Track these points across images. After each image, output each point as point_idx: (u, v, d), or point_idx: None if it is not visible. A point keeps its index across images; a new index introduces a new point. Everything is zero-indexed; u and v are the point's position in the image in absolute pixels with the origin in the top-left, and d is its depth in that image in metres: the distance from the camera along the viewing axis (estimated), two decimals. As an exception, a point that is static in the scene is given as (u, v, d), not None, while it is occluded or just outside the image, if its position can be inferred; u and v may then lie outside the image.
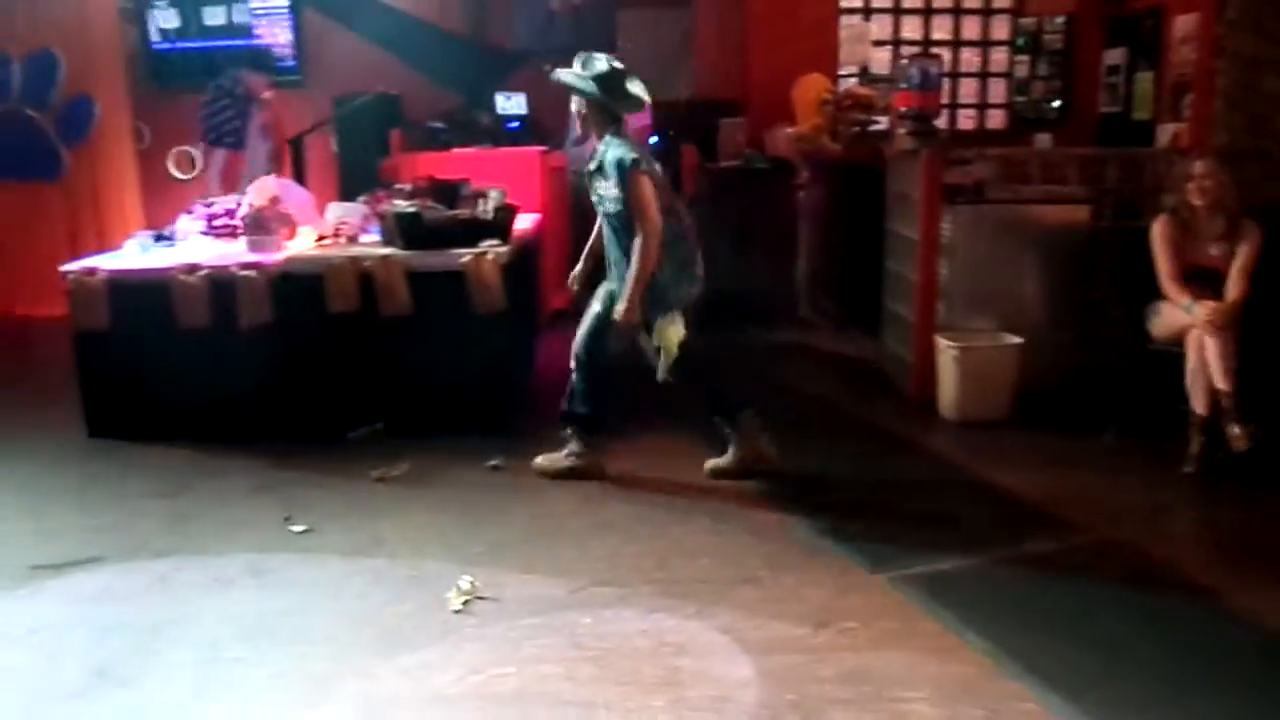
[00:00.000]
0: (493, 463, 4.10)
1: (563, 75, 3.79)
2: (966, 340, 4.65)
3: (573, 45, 7.63)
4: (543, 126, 7.41)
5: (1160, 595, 3.09)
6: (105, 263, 4.63)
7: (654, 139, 7.24)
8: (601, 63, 3.74)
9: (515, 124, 7.21)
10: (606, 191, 3.74)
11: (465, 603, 3.00)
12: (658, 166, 3.84)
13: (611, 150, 3.70)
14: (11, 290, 7.63)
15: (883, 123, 6.76)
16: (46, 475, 4.19)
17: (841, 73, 7.38)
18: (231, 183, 6.31)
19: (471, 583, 3.08)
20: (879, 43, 7.59)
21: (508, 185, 5.12)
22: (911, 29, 7.66)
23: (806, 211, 6.47)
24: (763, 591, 3.06)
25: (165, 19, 7.98)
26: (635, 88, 3.78)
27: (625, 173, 3.64)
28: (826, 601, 2.98)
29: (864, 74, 7.40)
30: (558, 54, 7.76)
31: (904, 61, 6.70)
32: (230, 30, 8.00)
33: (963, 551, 3.33)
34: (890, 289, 5.39)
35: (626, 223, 3.72)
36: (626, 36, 7.72)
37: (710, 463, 3.98)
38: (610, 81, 3.72)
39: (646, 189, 3.65)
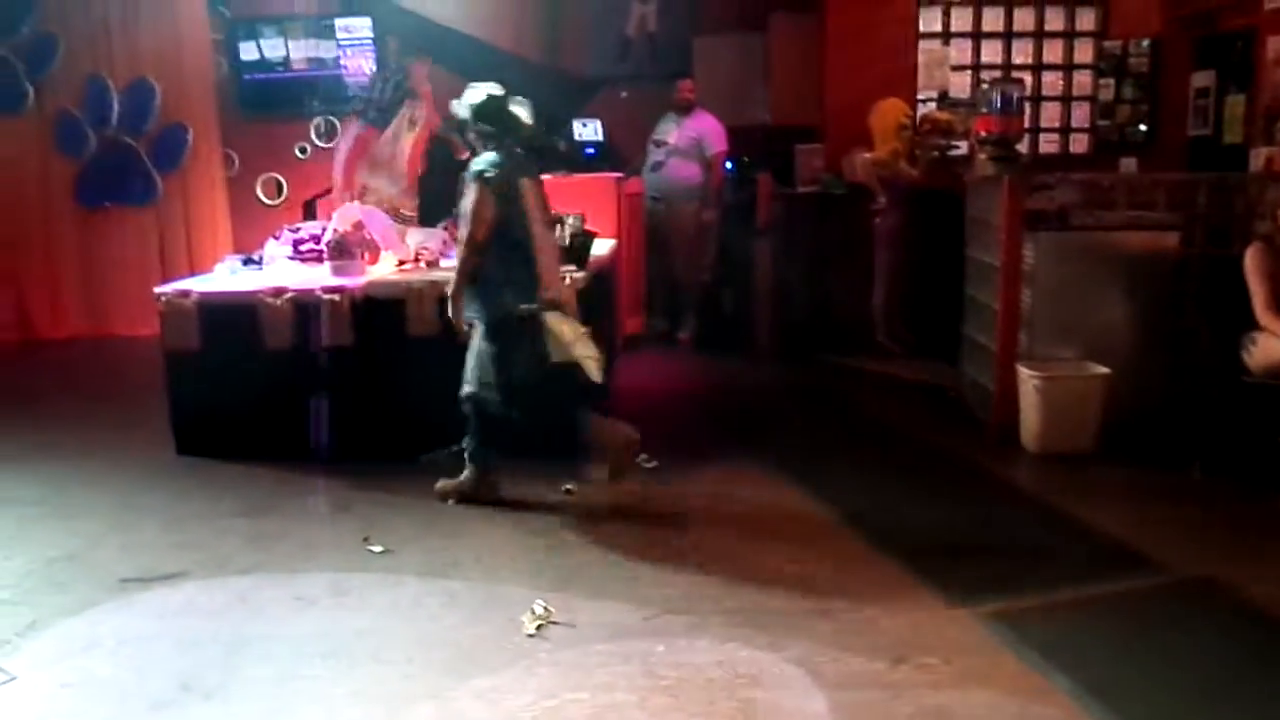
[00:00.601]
0: (566, 487, 4.12)
1: (453, 107, 4.04)
2: (1050, 370, 4.54)
3: (648, 72, 7.80)
4: (619, 152, 7.49)
5: (1260, 638, 2.96)
6: (196, 285, 4.79)
7: (728, 165, 7.28)
8: (478, 93, 3.93)
9: (592, 150, 7.29)
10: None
11: (539, 627, 3.00)
12: (526, 181, 3.93)
13: (475, 164, 3.88)
14: (109, 310, 7.94)
15: (962, 148, 6.68)
16: (136, 491, 4.32)
17: (920, 97, 7.31)
18: (355, 159, 5.89)
19: (545, 607, 3.08)
20: (958, 67, 7.50)
21: (584, 211, 5.15)
22: (992, 53, 7.56)
23: (883, 237, 6.41)
24: (839, 624, 3.01)
25: (254, 50, 8.26)
26: (519, 110, 3.95)
27: (469, 180, 3.84)
28: (905, 635, 2.92)
29: (943, 98, 7.31)
30: (633, 80, 7.93)
31: (985, 86, 6.61)
32: (316, 62, 8.24)
33: (1047, 587, 3.24)
34: (970, 316, 5.29)
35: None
36: (702, 62, 7.76)
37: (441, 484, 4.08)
38: (486, 109, 3.91)
39: (474, 198, 3.80)
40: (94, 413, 5.73)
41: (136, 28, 7.92)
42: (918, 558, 3.43)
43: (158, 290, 4.72)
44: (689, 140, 6.94)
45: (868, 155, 6.46)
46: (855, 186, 6.60)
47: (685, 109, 7.01)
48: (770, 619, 3.03)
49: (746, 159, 7.35)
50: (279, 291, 4.57)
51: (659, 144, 7.04)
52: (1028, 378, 4.55)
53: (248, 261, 5.17)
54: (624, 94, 7.96)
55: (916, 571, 3.34)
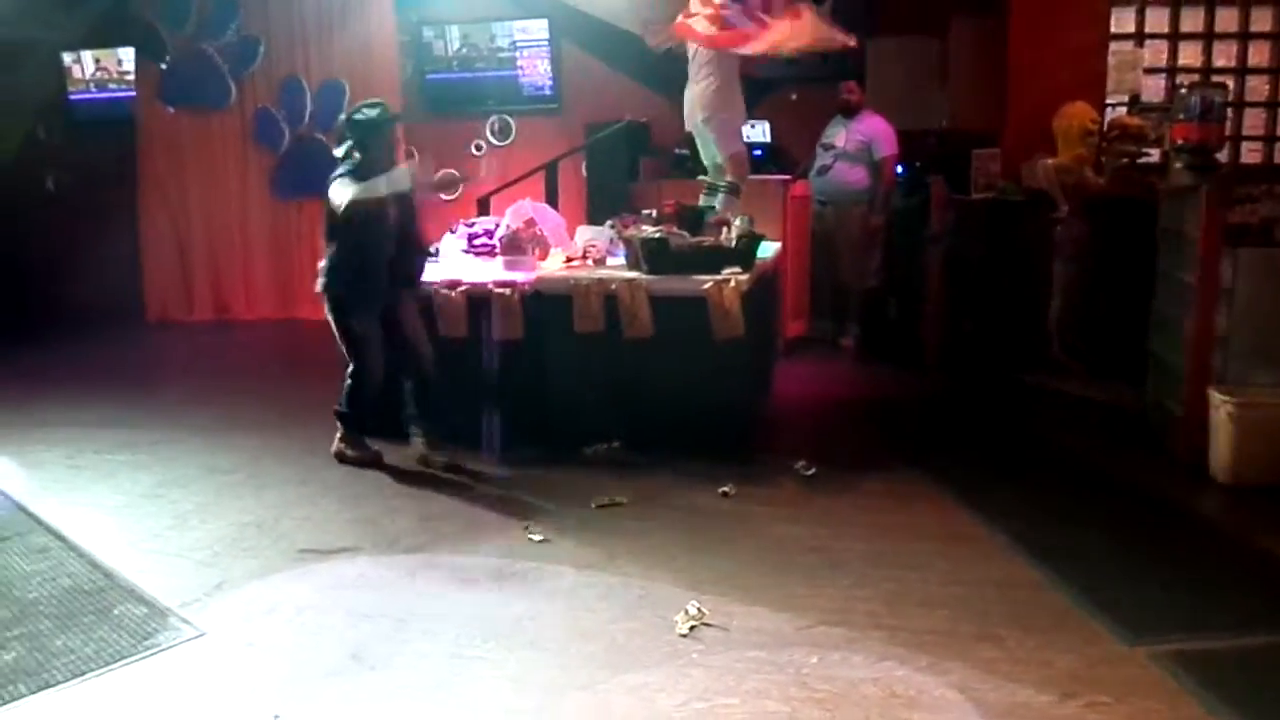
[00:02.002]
0: (724, 489, 4.11)
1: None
2: (1245, 395, 4.22)
3: (818, 74, 7.69)
4: (787, 155, 7.42)
5: None
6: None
7: (900, 169, 7.10)
8: (358, 112, 4.43)
9: (759, 152, 7.24)
10: None
11: (692, 628, 3.01)
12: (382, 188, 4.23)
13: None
14: (296, 295, 8.45)
15: (1153, 155, 6.29)
16: (318, 466, 4.58)
17: (1109, 102, 6.93)
18: None
19: (699, 608, 3.09)
20: (1151, 70, 7.08)
21: (751, 213, 5.14)
22: (1190, 55, 7.09)
23: (1064, 247, 6.11)
24: (1004, 651, 2.88)
25: (438, 51, 8.60)
26: (370, 111, 4.41)
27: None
28: (1076, 670, 2.77)
29: (1134, 103, 6.91)
30: (804, 82, 7.83)
31: (1182, 90, 6.20)
32: (495, 63, 8.52)
33: (1235, 629, 3.02)
34: (1158, 335, 4.98)
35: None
36: (876, 65, 7.59)
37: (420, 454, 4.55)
38: (353, 124, 4.43)
39: (332, 194, 4.26)
40: (282, 391, 6.12)
41: (330, 32, 8.40)
42: (1092, 589, 3.25)
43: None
44: (857, 143, 6.82)
45: (1050, 161, 6.17)
46: (1035, 194, 6.32)
47: (850, 111, 6.90)
48: (930, 639, 2.94)
49: (919, 163, 7.15)
50: (453, 284, 4.75)
51: (827, 147, 6.94)
52: (1220, 403, 4.24)
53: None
54: (794, 96, 7.88)
55: (1090, 603, 3.16)
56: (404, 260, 4.48)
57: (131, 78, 8.90)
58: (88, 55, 9.11)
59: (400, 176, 4.31)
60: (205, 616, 3.15)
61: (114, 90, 9.11)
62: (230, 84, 8.57)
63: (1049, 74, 6.70)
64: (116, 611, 3.19)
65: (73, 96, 9.16)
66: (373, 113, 4.37)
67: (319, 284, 4.47)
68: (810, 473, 4.31)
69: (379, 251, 4.36)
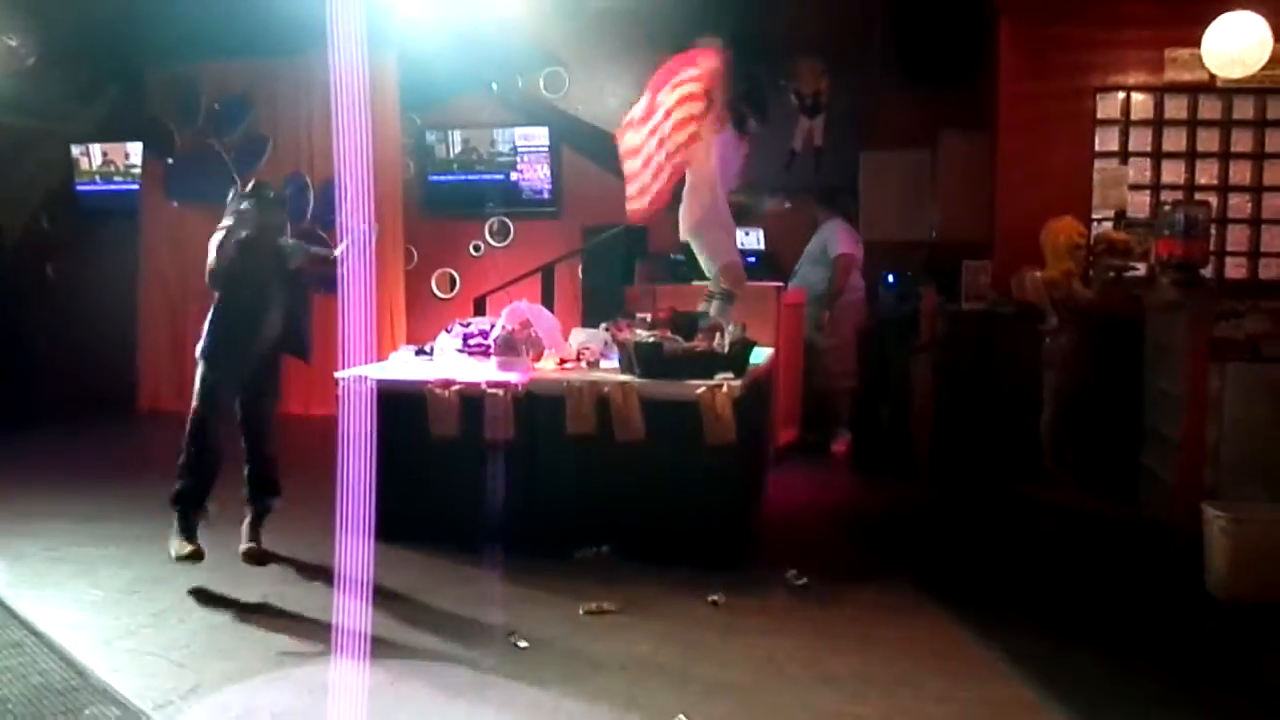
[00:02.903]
0: (714, 598, 4.05)
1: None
2: (1239, 510, 4.21)
3: (813, 184, 7.88)
4: (779, 262, 7.55)
5: None
6: (373, 372, 5.04)
7: (889, 278, 7.22)
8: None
9: (752, 259, 7.37)
10: None
11: (679, 742, 2.94)
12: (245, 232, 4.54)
13: None
14: (290, 390, 8.43)
15: (1140, 269, 6.41)
16: (301, 565, 4.52)
17: (1095, 216, 7.09)
18: None
19: (688, 722, 3.02)
20: (1136, 186, 7.26)
21: (744, 319, 5.19)
22: (1173, 173, 7.28)
23: (1053, 359, 6.16)
24: (999, 773, 2.81)
25: (440, 154, 8.80)
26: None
27: None
28: (1073, 794, 2.70)
29: (1120, 218, 7.07)
30: (798, 192, 8.02)
31: (1167, 207, 6.35)
32: (494, 165, 8.71)
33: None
34: (1149, 447, 5.00)
35: None
36: (869, 177, 7.80)
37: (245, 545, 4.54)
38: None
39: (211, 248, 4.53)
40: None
41: (336, 132, 8.58)
42: (1090, 711, 3.19)
43: (338, 374, 4.99)
44: (817, 245, 7.20)
45: (1039, 274, 6.28)
46: (1024, 305, 6.42)
47: (821, 219, 7.28)
48: (924, 759, 2.87)
49: (910, 273, 7.28)
50: (446, 383, 4.76)
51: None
52: (1214, 518, 4.23)
53: (420, 352, 5.42)
54: (787, 205, 8.06)
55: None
56: (285, 337, 4.67)
57: (138, 171, 9.08)
58: (96, 148, 9.31)
59: (289, 247, 4.77)
60: (179, 720, 3.06)
61: (120, 183, 9.29)
62: (236, 180, 8.72)
63: (1036, 189, 6.88)
64: (87, 713, 3.10)
65: (79, 187, 9.33)
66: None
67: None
68: (802, 583, 4.26)
69: (250, 315, 4.55)
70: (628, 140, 5.51)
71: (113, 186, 9.35)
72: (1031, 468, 6.14)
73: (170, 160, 8.88)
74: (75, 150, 9.30)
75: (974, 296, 6.72)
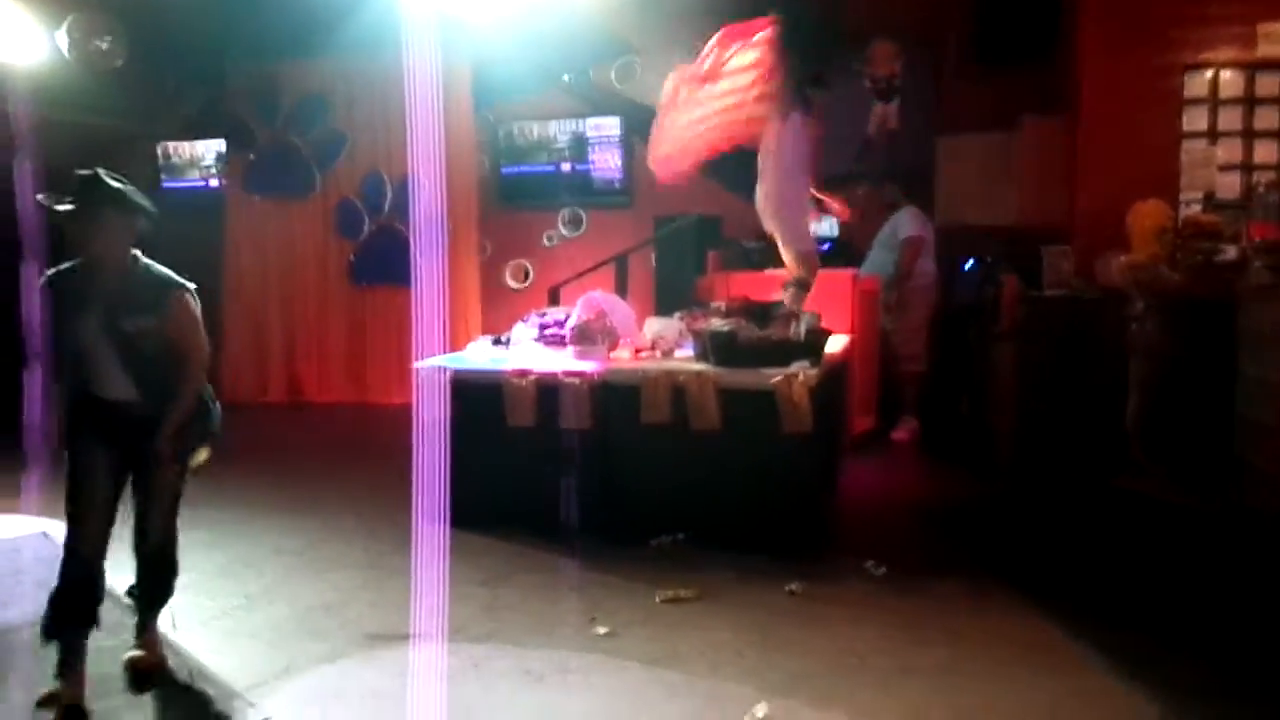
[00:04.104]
0: (791, 587, 4.04)
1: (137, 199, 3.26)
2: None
3: (887, 170, 7.77)
4: (854, 248, 7.47)
5: None
6: (450, 362, 5.12)
7: (967, 264, 7.09)
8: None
9: (827, 246, 7.30)
10: (141, 318, 3.18)
11: (760, 730, 2.94)
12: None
13: (157, 269, 3.30)
14: (369, 379, 8.64)
15: (1230, 252, 6.19)
16: (385, 551, 4.62)
17: (1183, 199, 6.87)
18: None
19: (767, 711, 3.01)
20: (1226, 167, 7.01)
21: (819, 307, 5.15)
22: (1266, 153, 7.02)
23: (1139, 345, 5.99)
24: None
25: (513, 146, 8.89)
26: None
27: (174, 292, 3.25)
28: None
29: (1208, 200, 6.84)
30: (872, 179, 7.91)
31: (1260, 188, 6.13)
32: (567, 157, 8.77)
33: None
34: (1243, 437, 4.83)
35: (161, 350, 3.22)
36: (946, 161, 7.65)
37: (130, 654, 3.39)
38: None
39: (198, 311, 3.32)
40: (352, 474, 6.21)
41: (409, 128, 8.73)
42: (1184, 704, 3.10)
43: (416, 365, 5.08)
44: (888, 230, 7.16)
45: (1124, 259, 6.11)
46: (1108, 291, 6.25)
47: (893, 207, 7.25)
48: (1010, 751, 2.83)
49: (989, 259, 7.15)
50: (523, 373, 4.82)
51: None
52: (1313, 510, 4.08)
53: (496, 342, 5.49)
54: (860, 191, 7.96)
55: (1178, 715, 3.02)
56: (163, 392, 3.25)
57: (220, 168, 9.36)
58: (181, 146, 9.61)
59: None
60: (273, 700, 3.16)
61: (201, 180, 9.58)
62: (315, 175, 8.93)
63: (1120, 171, 6.68)
64: (185, 691, 3.22)
65: (165, 184, 9.64)
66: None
67: None
68: (881, 572, 4.22)
69: (94, 362, 3.19)
70: (681, 93, 5.43)
71: (195, 183, 9.64)
72: (1119, 458, 5.99)
73: (252, 157, 9.12)
74: (162, 149, 9.61)
75: (1056, 282, 6.56)
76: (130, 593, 3.50)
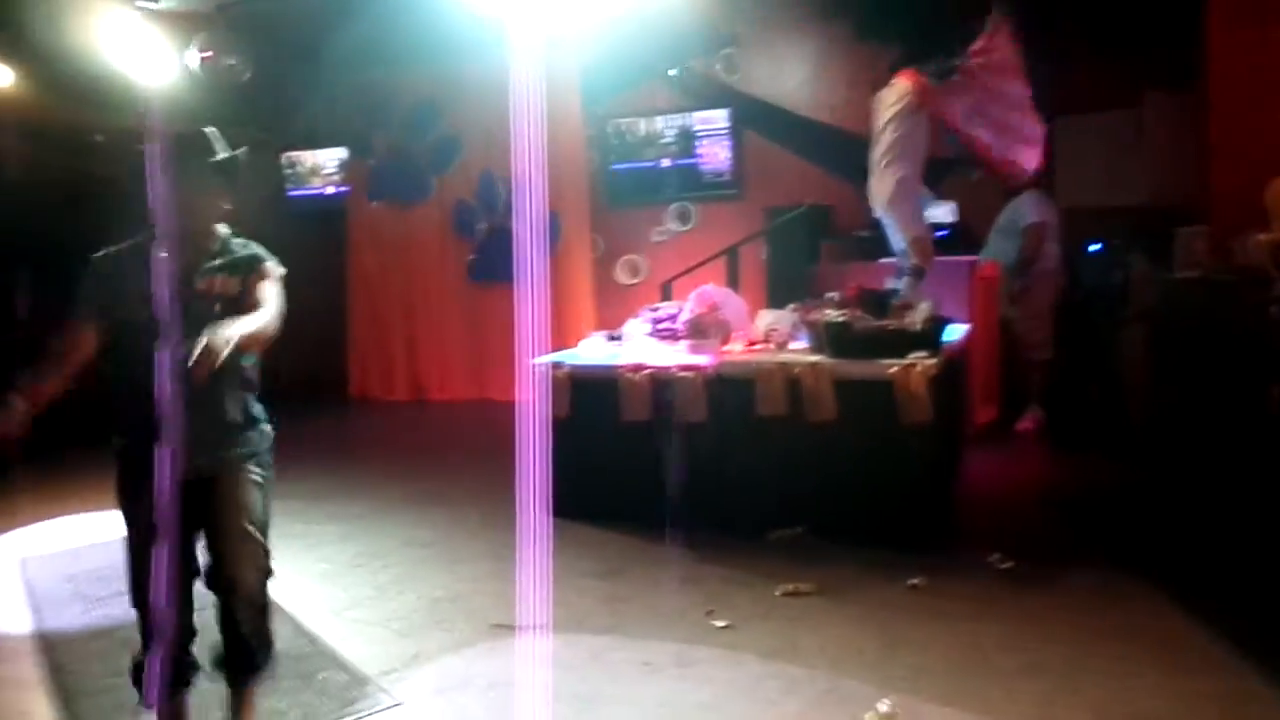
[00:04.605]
0: (914, 581, 3.97)
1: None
2: None
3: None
4: (973, 235, 7.27)
5: None
6: (567, 358, 5.21)
7: (1092, 247, 6.82)
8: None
9: (944, 233, 7.13)
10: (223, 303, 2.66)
11: (883, 726, 2.91)
12: None
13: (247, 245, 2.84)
14: (487, 377, 8.84)
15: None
16: (508, 543, 4.69)
17: (1331, 173, 6.46)
18: None
19: (890, 707, 2.98)
20: (1378, 138, 6.56)
21: (937, 295, 5.04)
22: None
23: (1282, 329, 5.68)
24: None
25: (622, 143, 8.95)
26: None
27: (262, 266, 2.78)
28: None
29: (1358, 174, 6.41)
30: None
31: None
32: (675, 151, 8.78)
33: None
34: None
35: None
36: (1066, 142, 7.38)
37: None
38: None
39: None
40: (473, 468, 6.37)
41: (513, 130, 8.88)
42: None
43: (534, 361, 5.18)
44: (1008, 215, 6.87)
45: (1264, 237, 5.78)
46: (1246, 272, 5.92)
47: (1012, 191, 6.89)
48: (1148, 754, 2.73)
49: (1117, 242, 6.87)
50: (638, 367, 4.86)
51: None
52: None
53: (610, 338, 5.55)
54: (974, 176, 7.74)
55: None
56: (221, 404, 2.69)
57: (341, 175, 9.72)
58: (304, 155, 10.01)
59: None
60: (402, 687, 3.28)
61: (325, 187, 9.96)
62: (431, 180, 9.18)
63: (1257, 147, 6.31)
64: (320, 677, 3.37)
65: (290, 193, 10.06)
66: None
67: None
68: (1006, 566, 4.12)
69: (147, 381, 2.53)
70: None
71: (317, 191, 10.03)
72: (1262, 450, 5.68)
73: (371, 163, 9.43)
74: (285, 158, 10.03)
75: (1189, 264, 6.25)
76: (217, 663, 2.76)
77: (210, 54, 7.47)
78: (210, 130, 2.76)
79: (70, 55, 6.55)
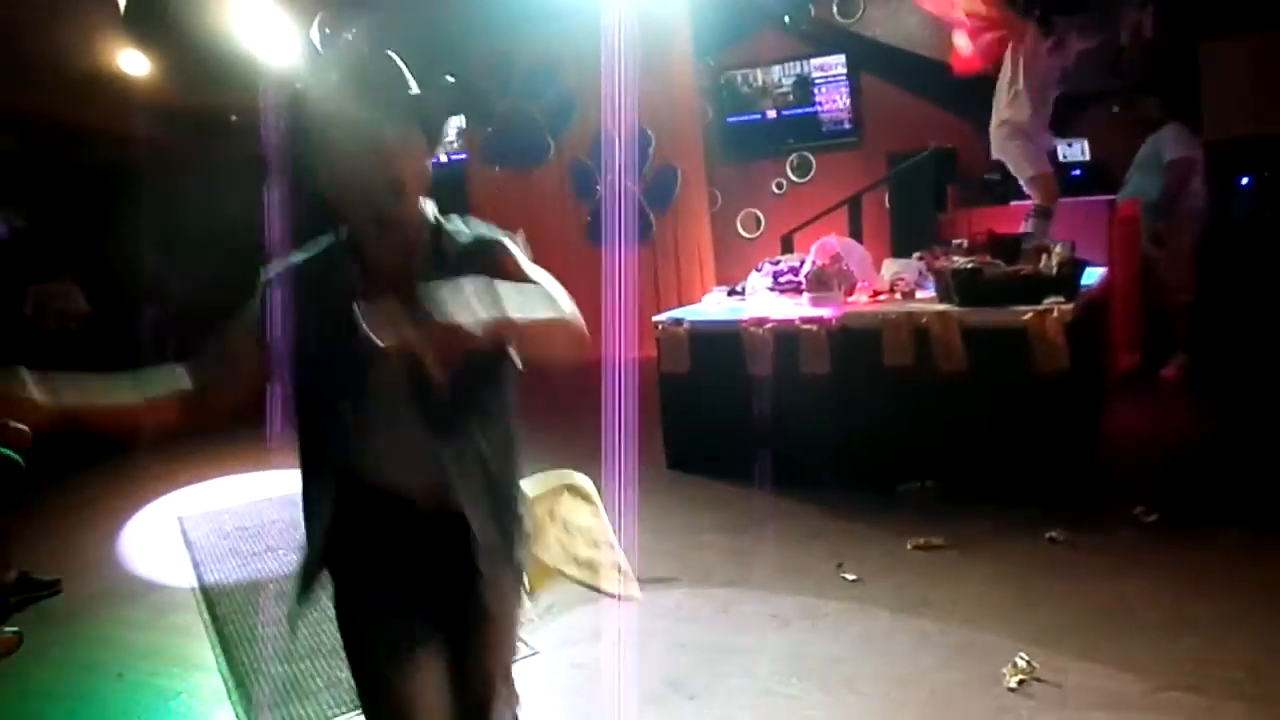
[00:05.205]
0: (1052, 535, 3.85)
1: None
2: None
3: (1143, 85, 7.10)
4: (1110, 174, 6.91)
5: None
6: (687, 314, 5.21)
7: (1243, 181, 6.38)
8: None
9: (1078, 172, 6.79)
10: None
11: (1020, 682, 2.84)
12: None
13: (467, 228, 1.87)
14: (609, 337, 8.91)
15: None
16: (632, 502, 4.79)
17: None
18: None
19: (1028, 662, 2.90)
20: None
21: (1073, 237, 4.82)
22: None
23: None
24: None
25: (737, 94, 8.82)
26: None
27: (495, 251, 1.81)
28: None
29: None
30: (1127, 94, 7.25)
31: None
32: (792, 101, 8.60)
33: None
34: None
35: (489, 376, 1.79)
36: (1212, 70, 6.90)
37: None
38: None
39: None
40: (599, 426, 6.44)
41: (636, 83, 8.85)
42: None
43: (655, 319, 5.19)
44: (1149, 150, 6.43)
45: None
46: None
47: (1153, 125, 6.48)
48: (1308, 714, 2.59)
49: (1268, 174, 6.41)
50: (760, 321, 4.82)
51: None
52: None
53: (731, 292, 5.52)
54: (1115, 109, 7.32)
55: None
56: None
57: (459, 143, 9.89)
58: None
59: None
60: (538, 637, 3.37)
61: (445, 154, 10.16)
62: (548, 142, 9.25)
63: None
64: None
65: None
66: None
67: None
68: (1151, 519, 3.94)
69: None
70: None
71: (437, 159, 10.25)
72: None
73: (489, 130, 9.55)
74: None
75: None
76: None
77: (331, 30, 7.68)
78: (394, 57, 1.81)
79: (202, 39, 6.81)
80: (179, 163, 8.25)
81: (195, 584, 4.24)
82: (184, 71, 7.74)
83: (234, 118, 8.83)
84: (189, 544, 4.74)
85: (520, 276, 1.75)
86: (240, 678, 3.33)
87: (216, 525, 4.97)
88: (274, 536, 4.70)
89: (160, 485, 5.64)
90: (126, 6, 6.50)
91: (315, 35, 7.69)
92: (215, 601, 4.00)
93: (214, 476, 5.80)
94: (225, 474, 5.81)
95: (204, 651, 3.55)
